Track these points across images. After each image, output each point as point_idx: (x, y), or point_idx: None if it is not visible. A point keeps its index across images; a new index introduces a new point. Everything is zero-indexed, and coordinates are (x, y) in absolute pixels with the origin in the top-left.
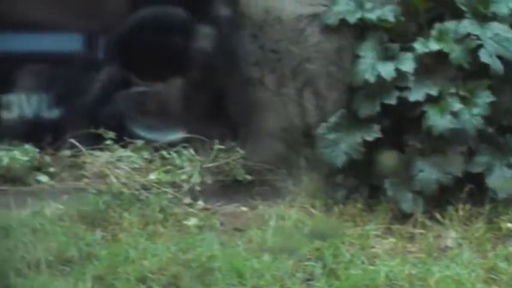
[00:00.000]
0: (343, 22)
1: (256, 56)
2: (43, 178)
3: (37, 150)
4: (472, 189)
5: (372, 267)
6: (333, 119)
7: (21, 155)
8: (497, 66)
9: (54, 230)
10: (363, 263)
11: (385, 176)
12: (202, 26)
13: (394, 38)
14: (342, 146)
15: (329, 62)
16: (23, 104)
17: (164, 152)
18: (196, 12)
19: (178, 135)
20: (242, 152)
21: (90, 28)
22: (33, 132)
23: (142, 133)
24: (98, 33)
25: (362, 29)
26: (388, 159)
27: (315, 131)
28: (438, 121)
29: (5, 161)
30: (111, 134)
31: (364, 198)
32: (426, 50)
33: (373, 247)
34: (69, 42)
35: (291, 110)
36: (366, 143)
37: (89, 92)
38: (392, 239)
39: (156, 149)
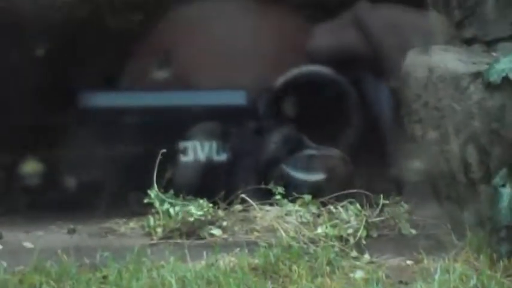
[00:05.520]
0: (505, 79)
1: (420, 114)
2: (216, 231)
3: (210, 204)
4: None
5: None
6: (496, 176)
7: (196, 209)
8: None
9: (228, 282)
10: None
11: None
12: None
13: None
14: (506, 202)
15: (492, 118)
16: (197, 157)
17: (331, 207)
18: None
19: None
20: (407, 206)
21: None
22: (207, 187)
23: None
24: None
25: None
26: None
27: (479, 186)
28: None
29: (181, 215)
30: (281, 190)
31: None
32: None
33: None
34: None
35: (454, 166)
36: None
37: (263, 152)
38: None
39: (323, 204)
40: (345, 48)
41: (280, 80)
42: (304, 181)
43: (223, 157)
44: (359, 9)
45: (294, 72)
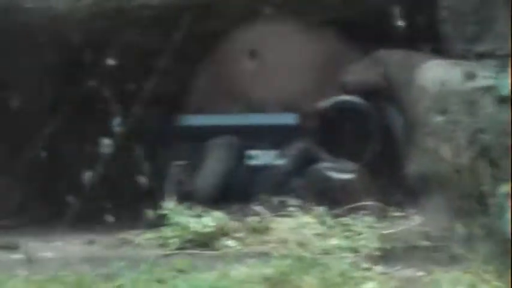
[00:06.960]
0: None
1: (432, 127)
2: (230, 243)
3: (226, 216)
4: None
5: None
6: (505, 187)
7: (211, 221)
8: None
9: None
10: None
11: None
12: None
13: None
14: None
15: (502, 132)
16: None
17: (345, 219)
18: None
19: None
20: (420, 218)
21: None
22: (223, 198)
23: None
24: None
25: None
26: None
27: (489, 199)
28: None
29: (196, 227)
30: (295, 202)
31: None
32: None
33: None
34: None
35: (465, 179)
36: None
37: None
38: None
39: (337, 216)
40: (371, 82)
41: (323, 105)
42: (337, 180)
43: (241, 170)
44: (380, 53)
45: (334, 99)
